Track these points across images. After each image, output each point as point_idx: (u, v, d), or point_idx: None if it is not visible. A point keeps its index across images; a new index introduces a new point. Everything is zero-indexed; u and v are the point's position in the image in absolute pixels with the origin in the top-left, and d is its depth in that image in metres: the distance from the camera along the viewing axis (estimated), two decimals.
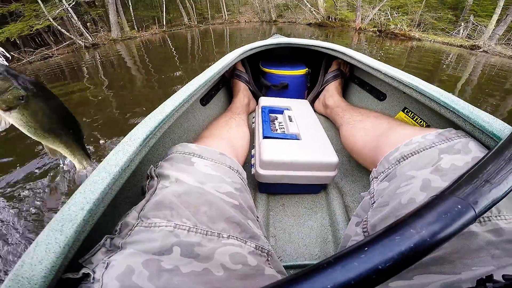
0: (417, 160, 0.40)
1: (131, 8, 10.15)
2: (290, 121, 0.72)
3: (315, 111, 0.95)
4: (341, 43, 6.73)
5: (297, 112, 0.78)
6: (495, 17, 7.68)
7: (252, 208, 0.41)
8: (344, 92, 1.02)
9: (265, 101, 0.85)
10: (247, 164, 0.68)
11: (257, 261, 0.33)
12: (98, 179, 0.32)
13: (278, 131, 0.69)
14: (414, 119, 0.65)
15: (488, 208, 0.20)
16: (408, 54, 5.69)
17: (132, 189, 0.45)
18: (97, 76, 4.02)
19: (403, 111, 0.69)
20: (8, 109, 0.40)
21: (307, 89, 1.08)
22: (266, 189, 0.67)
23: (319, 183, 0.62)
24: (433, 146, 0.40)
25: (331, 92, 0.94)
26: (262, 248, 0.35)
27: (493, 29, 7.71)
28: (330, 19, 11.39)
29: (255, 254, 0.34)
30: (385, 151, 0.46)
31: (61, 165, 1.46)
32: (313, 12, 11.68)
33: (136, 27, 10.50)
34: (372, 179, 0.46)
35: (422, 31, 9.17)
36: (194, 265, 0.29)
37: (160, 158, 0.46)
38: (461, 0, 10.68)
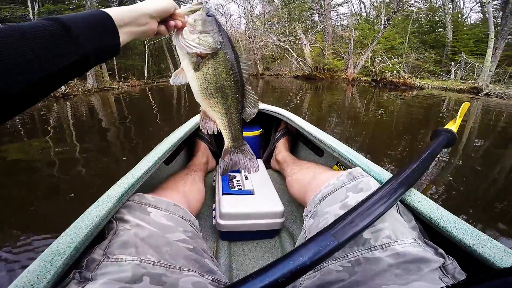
0: (331, 199, 0.55)
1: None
2: (246, 179, 0.92)
3: (271, 168, 1.20)
4: (331, 98, 6.09)
5: None
6: (489, 52, 6.60)
7: (205, 250, 0.52)
8: (294, 149, 1.25)
9: None
10: (208, 216, 0.88)
11: None
12: (82, 225, 0.42)
13: (236, 188, 0.87)
14: (343, 169, 0.80)
15: (348, 239, 0.34)
16: (406, 106, 5.01)
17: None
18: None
19: (336, 164, 0.90)
20: (201, 54, 0.40)
21: (262, 148, 1.29)
22: (227, 237, 0.80)
23: (272, 229, 0.79)
24: (343, 186, 0.56)
25: (279, 149, 1.15)
26: (219, 280, 0.47)
27: (490, 66, 6.60)
28: (319, 70, 10.82)
29: (213, 285, 0.45)
30: (312, 194, 0.61)
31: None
32: (300, 63, 11.27)
33: (117, 77, 9.75)
34: (304, 217, 0.60)
35: (419, 77, 8.59)
36: None
37: None
38: (440, 38, 9.98)
